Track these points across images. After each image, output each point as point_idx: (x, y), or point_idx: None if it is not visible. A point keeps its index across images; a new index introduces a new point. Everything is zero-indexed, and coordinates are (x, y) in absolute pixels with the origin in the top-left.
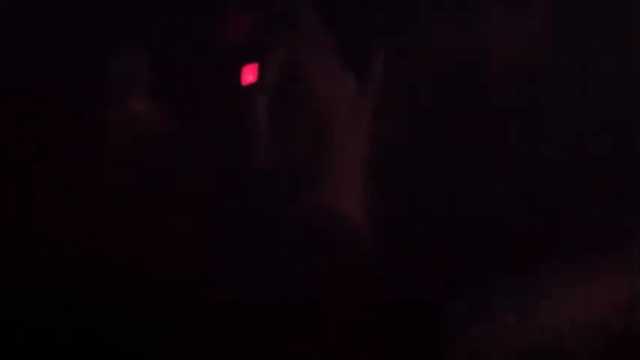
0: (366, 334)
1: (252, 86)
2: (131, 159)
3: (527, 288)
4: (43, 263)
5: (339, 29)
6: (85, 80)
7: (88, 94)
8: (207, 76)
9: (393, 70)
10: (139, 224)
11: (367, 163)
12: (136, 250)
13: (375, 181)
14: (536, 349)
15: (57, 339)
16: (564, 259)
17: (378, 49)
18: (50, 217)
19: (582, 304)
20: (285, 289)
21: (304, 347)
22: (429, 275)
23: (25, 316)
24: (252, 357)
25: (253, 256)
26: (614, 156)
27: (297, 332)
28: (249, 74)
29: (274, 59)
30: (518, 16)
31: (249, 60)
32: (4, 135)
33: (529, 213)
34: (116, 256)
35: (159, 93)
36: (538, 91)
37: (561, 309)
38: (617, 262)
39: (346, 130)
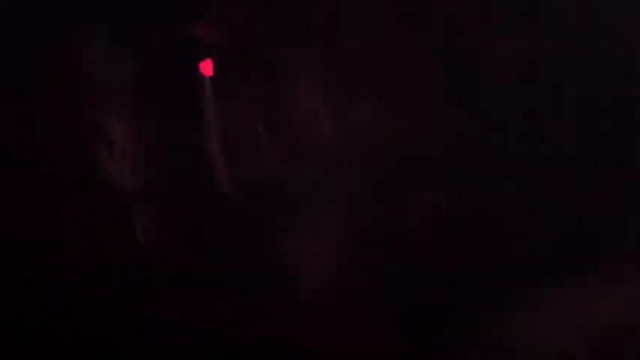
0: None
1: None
2: (130, 155)
3: (539, 293)
4: (43, 263)
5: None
6: (84, 80)
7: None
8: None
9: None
10: (140, 222)
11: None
12: (139, 250)
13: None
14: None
15: (57, 339)
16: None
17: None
18: (51, 216)
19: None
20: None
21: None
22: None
23: (25, 316)
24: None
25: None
26: (614, 156)
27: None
28: (205, 68)
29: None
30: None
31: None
32: (4, 135)
33: (533, 215)
34: (117, 255)
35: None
36: (538, 91)
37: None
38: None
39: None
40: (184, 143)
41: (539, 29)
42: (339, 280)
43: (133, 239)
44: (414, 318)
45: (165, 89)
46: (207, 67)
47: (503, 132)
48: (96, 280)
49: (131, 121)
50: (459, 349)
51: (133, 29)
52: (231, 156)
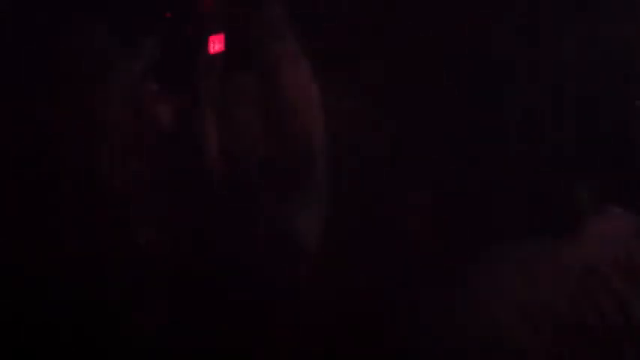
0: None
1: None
2: (131, 154)
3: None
4: (43, 263)
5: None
6: (85, 78)
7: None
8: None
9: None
10: (140, 222)
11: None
12: (139, 250)
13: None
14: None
15: (57, 339)
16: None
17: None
18: (51, 216)
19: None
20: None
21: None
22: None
23: (25, 316)
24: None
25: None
26: (614, 156)
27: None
28: (215, 44)
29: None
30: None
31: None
32: (4, 135)
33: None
34: (117, 255)
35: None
36: (538, 91)
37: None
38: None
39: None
40: (184, 143)
41: (540, 29)
42: (339, 279)
43: (133, 239)
44: (413, 318)
45: (165, 90)
46: (218, 41)
47: (504, 132)
48: (96, 280)
49: (131, 121)
50: (459, 349)
51: (133, 29)
52: (230, 155)
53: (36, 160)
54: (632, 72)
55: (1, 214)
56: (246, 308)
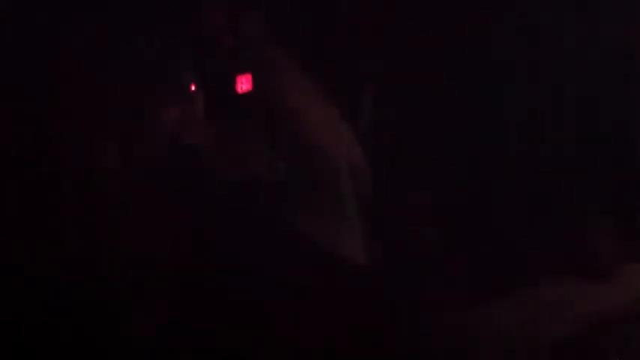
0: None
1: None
2: (131, 155)
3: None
4: (43, 263)
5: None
6: (85, 80)
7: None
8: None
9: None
10: (141, 223)
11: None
12: (139, 249)
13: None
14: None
15: (57, 339)
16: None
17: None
18: (51, 216)
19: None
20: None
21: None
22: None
23: (25, 316)
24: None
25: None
26: (614, 156)
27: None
28: (243, 83)
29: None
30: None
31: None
32: (4, 135)
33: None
34: (117, 255)
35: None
36: (539, 92)
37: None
38: None
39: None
40: (184, 143)
41: (540, 29)
42: (339, 279)
43: (132, 239)
44: (413, 318)
45: (165, 89)
46: (246, 81)
47: (504, 132)
48: (96, 280)
49: (132, 121)
50: (458, 350)
51: (133, 29)
52: (230, 155)
53: (36, 160)
54: (632, 72)
55: (1, 214)
56: (246, 308)
